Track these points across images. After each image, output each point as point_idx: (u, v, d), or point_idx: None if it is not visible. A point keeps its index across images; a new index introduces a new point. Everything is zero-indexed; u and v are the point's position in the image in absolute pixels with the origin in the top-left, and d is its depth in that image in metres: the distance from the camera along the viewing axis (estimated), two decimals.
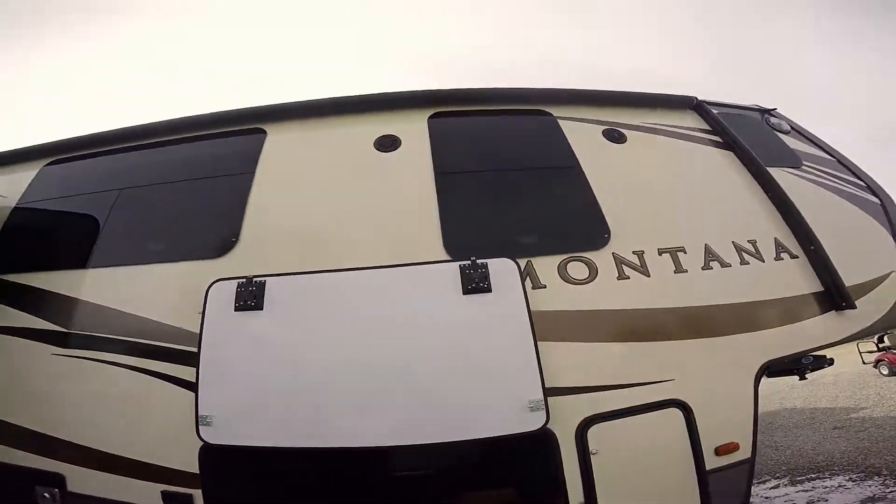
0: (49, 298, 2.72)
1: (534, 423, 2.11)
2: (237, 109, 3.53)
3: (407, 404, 2.23)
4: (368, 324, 2.38)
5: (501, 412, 2.17)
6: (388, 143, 3.14)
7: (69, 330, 2.60)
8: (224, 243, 2.71)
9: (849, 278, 2.76)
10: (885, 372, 12.54)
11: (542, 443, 2.16)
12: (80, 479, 2.35)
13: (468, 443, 2.14)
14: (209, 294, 2.44)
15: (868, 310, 2.78)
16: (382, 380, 2.26)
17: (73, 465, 2.37)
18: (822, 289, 2.74)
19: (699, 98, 3.63)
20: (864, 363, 13.55)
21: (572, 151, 3.04)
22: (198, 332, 2.36)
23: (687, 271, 2.61)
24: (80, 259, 2.86)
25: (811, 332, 2.66)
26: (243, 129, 3.39)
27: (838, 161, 3.49)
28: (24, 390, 2.57)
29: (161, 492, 2.25)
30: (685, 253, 2.65)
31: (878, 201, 3.27)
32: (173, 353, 2.43)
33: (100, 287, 2.72)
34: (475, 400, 2.20)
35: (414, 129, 3.21)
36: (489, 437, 2.15)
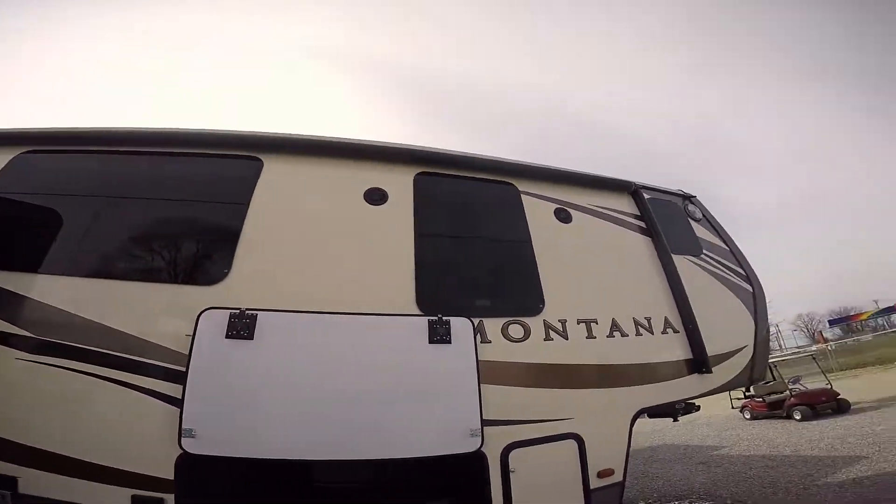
0: (19, 301, 2.75)
1: (472, 445, 2.77)
2: (237, 133, 3.66)
3: (374, 427, 2.70)
4: (349, 360, 2.82)
5: (449, 436, 2.76)
6: (377, 197, 3.53)
7: (37, 336, 2.66)
8: (215, 274, 2.98)
9: (712, 350, 3.69)
10: (748, 416, 14.51)
11: (477, 461, 2.81)
12: (35, 481, 2.43)
13: (422, 459, 2.70)
14: (200, 320, 2.69)
15: (722, 374, 3.74)
16: (355, 407, 2.72)
17: (29, 468, 2.44)
18: (691, 357, 3.66)
19: (636, 183, 4.38)
20: (732, 408, 15.53)
21: (528, 227, 3.70)
22: (177, 350, 2.64)
23: (596, 337, 3.43)
24: (55, 264, 2.91)
25: (677, 389, 3.56)
26: (241, 154, 3.53)
27: (730, 250, 4.43)
28: None
29: (131, 496, 2.44)
30: (596, 323, 3.46)
31: (751, 289, 4.25)
32: (151, 368, 2.63)
33: (78, 296, 2.79)
34: (429, 426, 2.78)
35: (401, 187, 3.62)
36: (438, 455, 2.71)
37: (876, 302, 48.72)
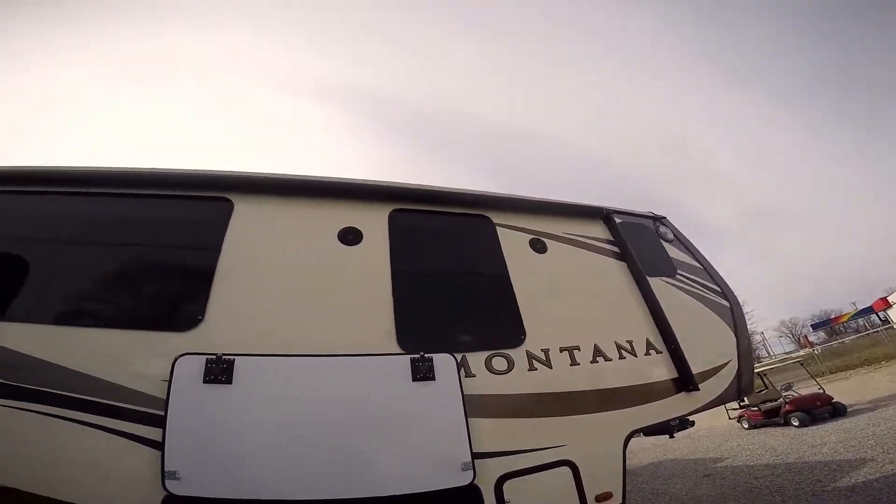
0: None
1: (465, 479, 2.76)
2: (205, 173, 3.59)
3: (362, 465, 2.70)
4: (331, 401, 2.82)
5: (440, 471, 2.76)
6: (350, 237, 3.53)
7: (9, 382, 2.62)
8: (190, 319, 2.95)
9: (697, 367, 3.73)
10: (746, 426, 14.62)
11: (470, 494, 2.78)
12: None
13: (414, 496, 2.66)
14: (176, 365, 2.69)
15: (710, 389, 3.76)
16: (340, 446, 2.71)
17: None
18: (677, 376, 3.69)
19: (607, 209, 4.50)
20: (729, 419, 15.69)
21: (504, 261, 3.75)
22: (153, 395, 2.63)
23: (580, 364, 3.44)
24: (23, 311, 2.87)
25: (666, 408, 3.55)
26: (211, 196, 3.51)
27: (704, 268, 4.54)
28: None
29: None
30: (579, 350, 3.48)
31: (728, 304, 4.34)
32: (130, 413, 2.62)
33: (49, 343, 2.75)
34: (419, 462, 2.77)
35: (375, 225, 3.63)
36: (431, 491, 2.70)
37: (854, 304, 49.83)
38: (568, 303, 3.76)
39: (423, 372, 3.01)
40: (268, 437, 2.68)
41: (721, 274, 4.58)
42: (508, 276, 3.70)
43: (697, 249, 4.70)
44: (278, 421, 2.73)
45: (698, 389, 3.68)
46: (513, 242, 3.95)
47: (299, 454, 2.68)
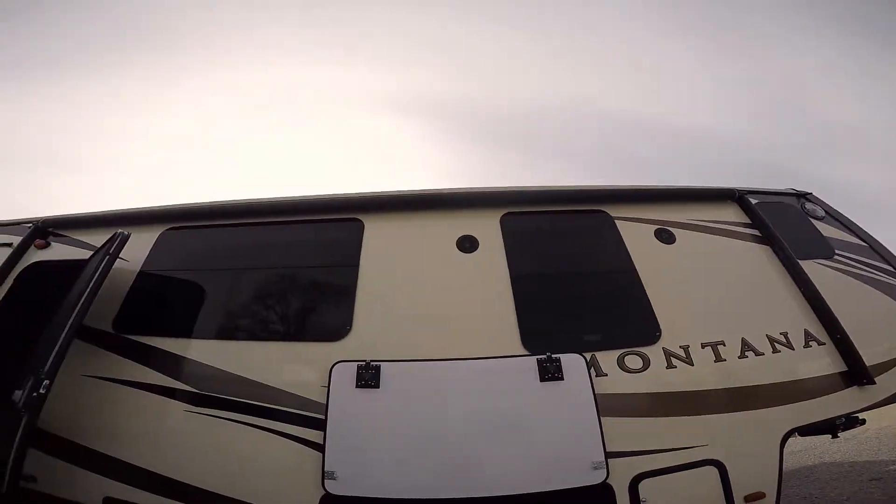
0: (185, 363, 3.27)
1: (597, 478, 2.75)
2: (335, 197, 4.01)
3: (496, 465, 2.83)
4: (465, 403, 3.00)
5: (572, 470, 2.79)
6: (468, 245, 3.67)
7: (202, 391, 3.15)
8: (340, 330, 3.29)
9: (871, 359, 3.23)
10: None
11: (602, 493, 2.75)
12: None
13: (543, 494, 2.72)
14: (333, 372, 3.01)
15: (887, 383, 3.23)
16: (476, 447, 2.87)
17: None
18: (846, 369, 3.22)
19: (739, 189, 4.07)
20: None
21: (628, 254, 3.59)
22: (315, 400, 2.97)
23: (726, 360, 3.16)
24: (209, 330, 3.45)
25: (832, 404, 3.13)
26: (343, 218, 3.90)
27: (870, 246, 3.90)
28: (158, 441, 3.10)
29: None
30: (724, 345, 3.20)
31: None
32: (295, 417, 2.97)
33: (229, 357, 3.26)
34: (549, 461, 2.83)
35: (489, 231, 3.72)
36: (560, 489, 2.73)
37: None
38: (707, 295, 3.48)
39: (550, 372, 3.02)
40: (412, 438, 2.89)
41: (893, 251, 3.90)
42: (635, 271, 3.53)
43: (858, 226, 4.06)
44: (421, 423, 2.93)
45: (874, 383, 3.18)
46: (636, 235, 3.76)
47: (440, 454, 2.86)
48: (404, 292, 3.51)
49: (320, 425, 2.90)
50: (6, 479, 2.58)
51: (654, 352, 3.17)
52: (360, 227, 3.82)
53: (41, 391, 2.72)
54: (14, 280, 3.83)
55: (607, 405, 2.94)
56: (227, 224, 4.02)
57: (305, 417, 2.97)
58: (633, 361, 3.14)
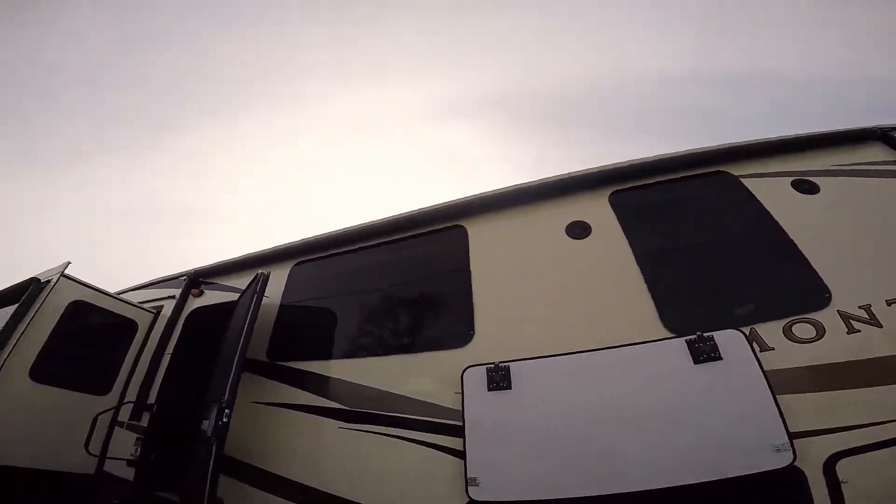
0: (332, 382, 3.52)
1: (782, 461, 2.41)
2: (436, 207, 4.10)
3: (657, 456, 2.59)
4: (608, 394, 2.79)
5: (750, 455, 2.47)
6: (579, 231, 3.55)
7: (350, 408, 3.34)
8: (464, 336, 3.33)
9: None
10: None
11: (789, 476, 2.42)
12: None
13: (723, 481, 2.46)
14: (464, 377, 3.04)
15: None
16: (629, 439, 2.65)
17: None
18: None
19: (882, 127, 3.48)
20: None
21: (766, 212, 3.21)
22: (450, 407, 3.01)
23: None
24: (348, 350, 3.69)
25: None
26: (446, 226, 4.00)
27: None
28: (315, 457, 3.31)
29: None
30: None
31: None
32: (434, 425, 3.03)
33: (369, 373, 3.43)
34: (721, 448, 2.53)
35: (599, 212, 3.57)
36: (742, 476, 2.44)
37: None
38: (875, 244, 2.98)
39: (705, 352, 2.75)
40: (552, 437, 2.77)
41: None
42: (780, 228, 3.13)
43: None
44: (559, 420, 2.81)
45: None
46: (770, 189, 3.36)
47: (582, 450, 2.70)
48: (520, 290, 3.46)
49: (458, 432, 2.91)
50: None
51: (827, 316, 2.76)
52: (464, 233, 3.89)
53: (224, 420, 3.07)
54: (182, 326, 4.45)
55: (781, 381, 2.61)
56: (346, 251, 4.32)
57: (443, 425, 3.02)
58: (804, 330, 2.76)
